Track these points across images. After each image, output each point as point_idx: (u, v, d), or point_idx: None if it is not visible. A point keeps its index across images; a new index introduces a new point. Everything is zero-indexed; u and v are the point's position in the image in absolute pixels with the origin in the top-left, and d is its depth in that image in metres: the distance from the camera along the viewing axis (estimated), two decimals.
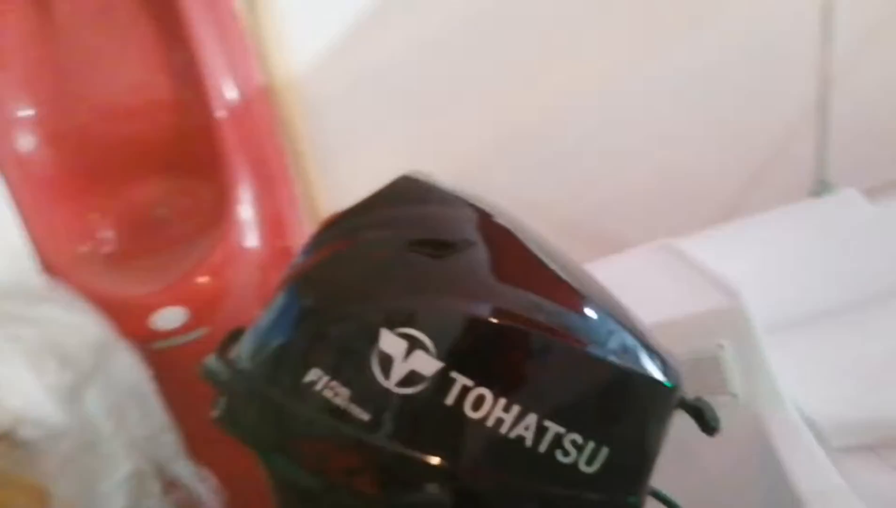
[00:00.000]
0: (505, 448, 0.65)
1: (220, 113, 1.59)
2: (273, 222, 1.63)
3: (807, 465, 1.03)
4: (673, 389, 0.72)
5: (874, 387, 1.19)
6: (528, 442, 0.65)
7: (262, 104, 1.72)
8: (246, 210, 1.58)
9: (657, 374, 0.71)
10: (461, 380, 0.65)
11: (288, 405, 0.68)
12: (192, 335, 1.51)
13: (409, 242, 0.73)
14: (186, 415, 1.38)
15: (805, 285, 1.45)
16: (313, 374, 0.68)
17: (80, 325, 1.20)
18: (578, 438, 0.67)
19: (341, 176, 1.84)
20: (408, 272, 0.72)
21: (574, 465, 0.67)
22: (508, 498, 0.68)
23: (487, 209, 0.75)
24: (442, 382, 0.65)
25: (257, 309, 1.71)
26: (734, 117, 1.77)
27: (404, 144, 1.84)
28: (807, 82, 1.62)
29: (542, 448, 0.65)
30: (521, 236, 0.73)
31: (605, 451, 0.68)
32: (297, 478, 0.71)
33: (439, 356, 0.65)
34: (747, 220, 1.55)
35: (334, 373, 0.67)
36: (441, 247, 0.72)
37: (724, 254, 1.31)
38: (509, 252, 0.74)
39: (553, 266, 0.72)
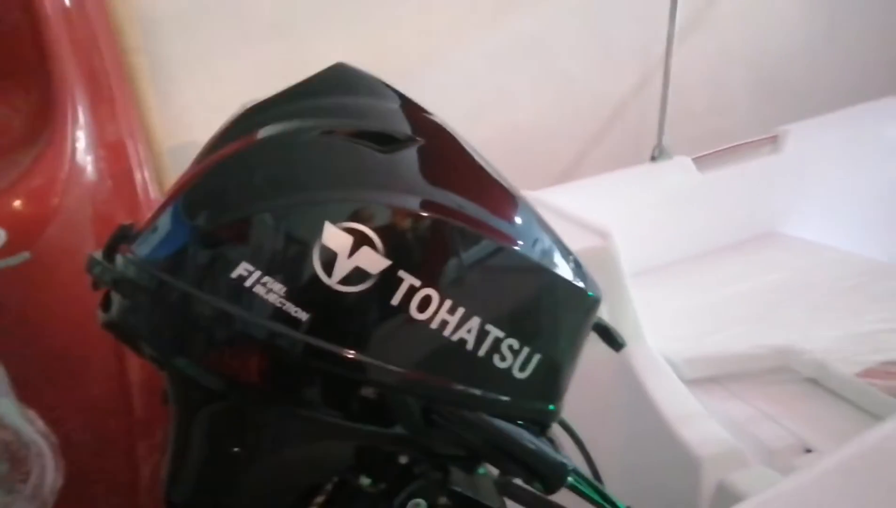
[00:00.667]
0: (443, 348, 0.63)
1: (49, 9, 1.38)
2: (108, 144, 1.46)
3: (668, 393, 1.11)
4: (596, 300, 0.74)
5: (716, 328, 1.32)
6: (470, 346, 0.64)
7: (97, 9, 1.52)
8: (77, 127, 1.39)
9: (585, 285, 0.72)
10: (409, 279, 0.62)
11: (205, 298, 0.62)
12: (13, 260, 1.31)
13: (353, 132, 0.68)
14: (11, 349, 1.20)
15: (646, 240, 1.57)
16: (242, 269, 0.61)
17: None
18: (515, 343, 0.66)
19: (180, 105, 1.70)
20: (354, 164, 0.67)
21: (508, 370, 0.66)
22: (436, 404, 0.66)
23: (421, 106, 0.72)
24: (389, 281, 0.61)
25: (92, 231, 1.53)
26: (583, 83, 1.86)
27: (252, 71, 1.73)
28: (651, 54, 1.75)
29: (482, 352, 0.64)
30: (454, 133, 0.71)
31: (536, 358, 0.68)
32: (203, 381, 0.65)
33: (387, 254, 0.61)
34: (595, 178, 1.64)
35: (268, 269, 0.61)
36: (386, 141, 0.68)
37: (581, 206, 1.37)
38: (449, 149, 0.71)
39: (488, 167, 0.71)
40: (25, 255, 1.34)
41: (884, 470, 0.58)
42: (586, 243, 1.20)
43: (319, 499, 0.82)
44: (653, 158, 1.72)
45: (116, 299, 0.68)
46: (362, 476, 0.76)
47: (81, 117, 1.42)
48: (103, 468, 1.46)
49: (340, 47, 1.72)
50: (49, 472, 1.16)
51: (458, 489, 0.79)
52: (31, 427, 1.15)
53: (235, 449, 0.71)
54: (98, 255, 0.70)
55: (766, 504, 0.61)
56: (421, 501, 0.78)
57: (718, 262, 1.60)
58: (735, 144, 1.70)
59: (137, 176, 1.49)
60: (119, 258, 0.68)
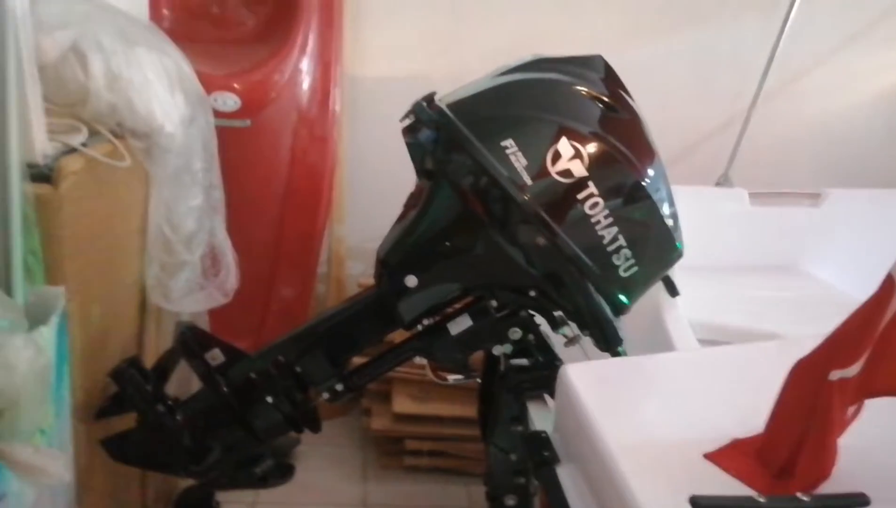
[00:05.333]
0: (592, 238, 1.08)
1: None
2: (323, 64, 1.92)
3: (680, 334, 1.54)
4: (680, 252, 1.19)
5: (722, 313, 1.73)
6: (605, 241, 1.09)
7: None
8: (308, 37, 1.86)
9: (676, 238, 1.16)
10: (591, 188, 1.07)
11: (478, 147, 1.08)
12: (240, 123, 1.78)
13: (595, 96, 1.15)
14: (229, 186, 1.64)
15: (694, 243, 1.99)
16: (509, 142, 1.07)
17: (191, 75, 1.45)
18: (629, 253, 1.12)
19: (369, 46, 2.13)
20: (591, 112, 1.13)
21: (618, 267, 1.12)
22: (570, 267, 1.11)
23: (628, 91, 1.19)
24: (582, 182, 1.07)
25: (294, 121, 2.02)
26: (677, 110, 2.27)
27: (424, 40, 2.15)
28: (741, 98, 2.15)
29: (611, 247, 1.10)
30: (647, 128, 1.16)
31: (636, 268, 1.13)
32: (450, 195, 1.13)
33: (587, 168, 1.07)
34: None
35: (522, 148, 1.07)
36: (610, 107, 1.14)
37: None
38: (644, 135, 1.18)
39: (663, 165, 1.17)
40: (247, 122, 1.82)
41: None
42: None
43: (461, 303, 1.28)
44: (717, 184, 2.14)
45: (423, 129, 1.15)
46: (493, 299, 1.23)
47: (311, 35, 1.89)
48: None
49: (495, 31, 2.15)
50: (232, 274, 1.63)
51: (543, 334, 1.25)
52: (227, 243, 1.62)
53: (446, 244, 1.17)
54: (421, 102, 1.17)
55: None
56: (517, 330, 1.25)
57: (746, 276, 2.02)
58: (785, 190, 2.11)
59: (333, 91, 1.95)
60: (436, 108, 1.15)
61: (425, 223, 1.19)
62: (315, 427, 1.41)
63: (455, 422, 1.93)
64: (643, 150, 1.14)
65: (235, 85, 1.77)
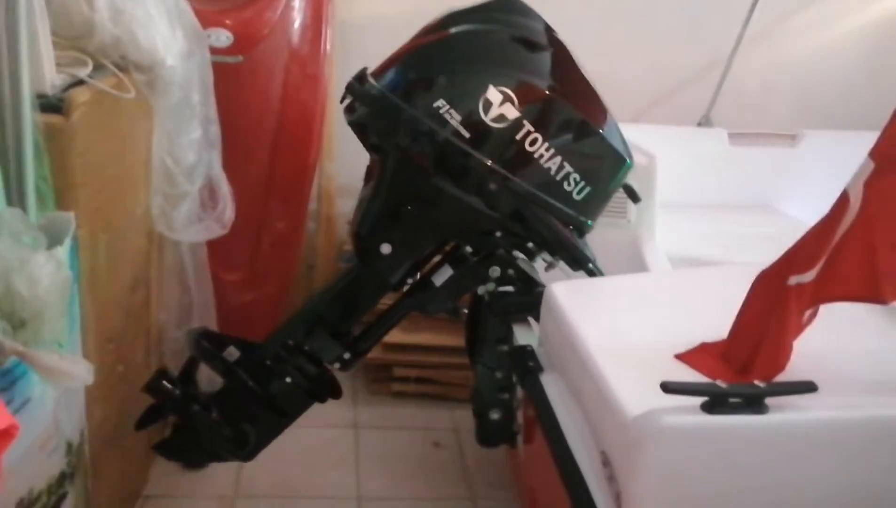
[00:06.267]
0: (538, 170, 1.16)
1: None
2: (315, 2, 1.94)
3: (655, 259, 1.63)
4: (629, 165, 1.26)
5: (697, 247, 1.82)
6: (553, 172, 1.17)
7: None
8: None
9: (624, 154, 1.23)
10: (527, 127, 1.14)
11: (412, 112, 1.16)
12: (232, 59, 1.82)
13: (512, 37, 1.21)
14: (223, 121, 1.68)
15: (675, 179, 2.06)
16: (440, 102, 1.14)
17: (188, 11, 1.49)
18: (577, 177, 1.19)
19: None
20: (512, 54, 1.20)
21: (570, 192, 1.20)
22: (526, 203, 1.19)
23: (554, 29, 1.25)
24: (517, 124, 1.14)
25: (286, 57, 2.05)
26: (664, 52, 2.32)
27: None
28: (725, 42, 2.21)
29: (559, 177, 1.17)
30: (571, 52, 1.24)
31: (588, 189, 1.21)
32: (397, 160, 1.21)
33: (519, 109, 1.14)
34: (653, 125, 2.13)
35: (454, 104, 1.13)
36: (532, 45, 1.20)
37: (637, 139, 1.85)
38: (567, 61, 1.24)
39: (587, 76, 1.24)
40: (239, 58, 1.85)
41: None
42: (637, 158, 1.69)
43: (438, 257, 1.37)
44: (698, 124, 2.21)
45: (360, 107, 1.21)
46: (467, 246, 1.31)
47: None
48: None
49: None
50: (228, 207, 1.69)
51: (521, 265, 1.33)
52: (223, 176, 1.68)
53: (407, 207, 1.24)
54: (353, 81, 1.23)
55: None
56: (497, 268, 1.33)
57: (723, 214, 2.10)
58: (763, 131, 2.18)
59: (325, 30, 1.99)
60: (367, 85, 1.21)
61: (383, 194, 1.27)
62: (336, 394, 1.51)
63: (441, 351, 2.03)
64: (570, 78, 1.21)
65: (228, 21, 1.80)
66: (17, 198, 1.06)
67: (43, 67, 1.11)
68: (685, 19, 2.32)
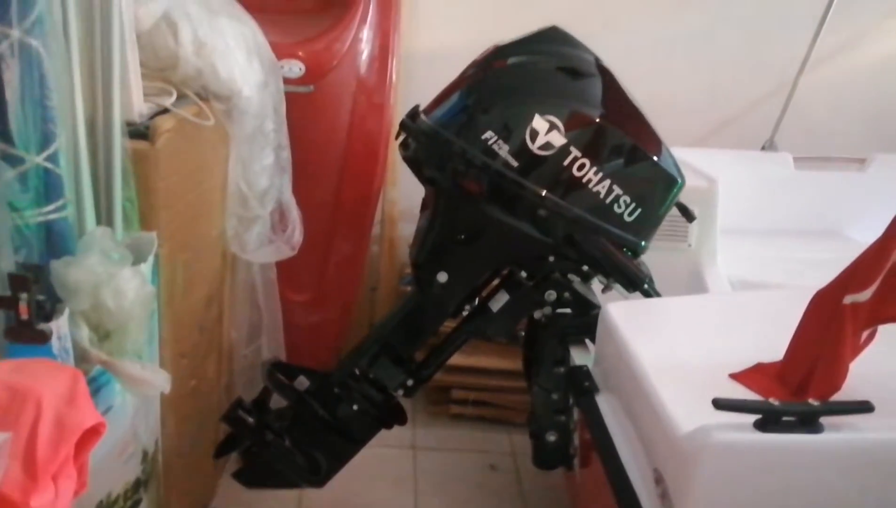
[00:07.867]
0: (588, 195, 1.18)
1: None
2: (382, 34, 2.02)
3: (716, 283, 1.62)
4: (680, 185, 1.27)
5: (760, 272, 1.80)
6: (602, 195, 1.19)
7: None
8: (369, 8, 1.97)
9: (676, 174, 1.24)
10: (574, 152, 1.17)
11: (462, 145, 1.20)
12: (304, 89, 1.90)
13: (558, 66, 1.24)
14: (293, 148, 1.76)
15: (738, 204, 2.05)
16: (488, 134, 1.18)
17: (265, 43, 1.58)
18: (628, 199, 1.21)
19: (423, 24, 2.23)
20: (557, 83, 1.23)
21: (621, 215, 1.21)
22: (577, 227, 1.21)
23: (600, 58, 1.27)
24: (564, 150, 1.17)
25: (353, 88, 2.12)
26: (730, 74, 2.31)
27: (469, 24, 2.23)
28: (788, 64, 2.19)
29: (609, 200, 1.19)
30: (620, 82, 1.27)
31: (639, 210, 1.22)
32: (452, 190, 1.25)
33: (565, 136, 1.17)
34: (717, 149, 2.12)
35: (501, 136, 1.17)
36: (576, 73, 1.23)
37: (700, 163, 1.85)
38: (614, 87, 1.26)
39: (636, 104, 1.26)
40: (310, 88, 1.94)
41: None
42: (699, 182, 1.70)
43: (496, 281, 1.40)
44: (763, 148, 2.19)
45: (413, 143, 1.27)
46: (522, 271, 1.34)
47: (371, 6, 1.99)
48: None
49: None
50: (297, 230, 1.76)
51: (577, 288, 1.35)
52: (293, 200, 1.75)
53: (461, 236, 1.28)
54: (406, 119, 1.29)
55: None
56: (552, 292, 1.35)
57: (788, 240, 2.07)
58: (830, 156, 2.14)
59: (391, 61, 2.06)
60: (419, 121, 1.26)
61: (437, 224, 1.32)
62: (402, 420, 1.56)
63: (499, 374, 2.06)
64: (616, 103, 1.23)
65: (300, 53, 1.89)
66: (105, 218, 1.15)
67: (132, 97, 1.20)
68: (748, 43, 2.31)
